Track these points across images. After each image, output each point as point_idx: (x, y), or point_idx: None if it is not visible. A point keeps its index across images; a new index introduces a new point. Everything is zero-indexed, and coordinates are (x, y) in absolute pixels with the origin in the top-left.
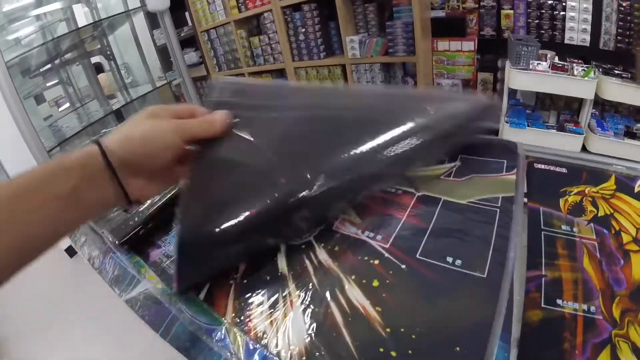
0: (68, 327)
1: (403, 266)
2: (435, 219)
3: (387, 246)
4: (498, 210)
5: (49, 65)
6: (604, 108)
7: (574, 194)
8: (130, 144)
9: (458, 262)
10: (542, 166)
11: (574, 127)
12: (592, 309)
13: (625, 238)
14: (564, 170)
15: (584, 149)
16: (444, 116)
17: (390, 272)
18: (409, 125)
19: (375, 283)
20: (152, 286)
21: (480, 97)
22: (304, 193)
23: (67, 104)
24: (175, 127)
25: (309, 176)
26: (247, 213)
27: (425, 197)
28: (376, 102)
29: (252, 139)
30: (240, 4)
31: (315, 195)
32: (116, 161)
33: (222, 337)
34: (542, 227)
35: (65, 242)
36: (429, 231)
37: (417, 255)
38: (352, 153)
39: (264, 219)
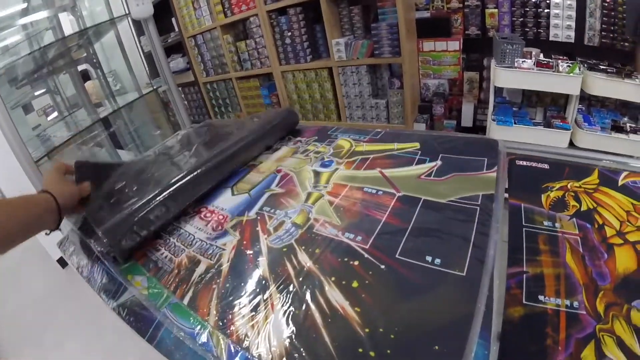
0: (62, 335)
1: (382, 266)
2: (415, 219)
3: (366, 247)
4: (478, 208)
5: (36, 75)
6: (591, 103)
7: (556, 190)
8: (63, 198)
9: (437, 261)
10: (524, 163)
11: (561, 123)
12: (575, 304)
13: (609, 232)
14: (545, 166)
15: (571, 144)
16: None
17: (370, 272)
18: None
19: (355, 284)
20: (138, 292)
21: (284, 109)
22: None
23: (56, 113)
24: (78, 190)
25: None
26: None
27: (405, 197)
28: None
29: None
30: (226, 9)
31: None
32: (59, 204)
33: (206, 340)
34: (524, 223)
35: (57, 253)
36: (408, 231)
37: (397, 255)
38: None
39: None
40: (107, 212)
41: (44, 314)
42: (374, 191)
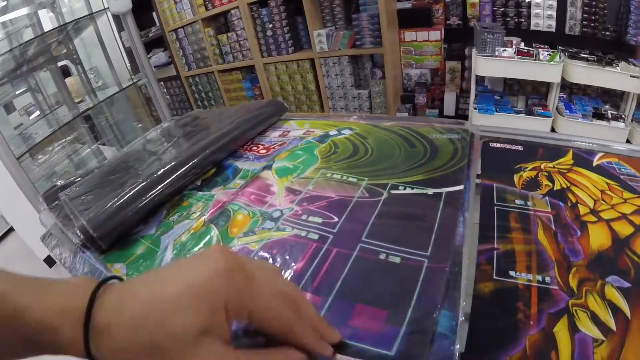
0: None
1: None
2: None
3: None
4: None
5: (17, 72)
6: (572, 91)
7: (529, 170)
8: None
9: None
10: (498, 145)
11: (542, 111)
12: (547, 279)
13: (583, 210)
14: (519, 147)
15: (553, 132)
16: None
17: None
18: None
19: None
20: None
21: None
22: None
23: (37, 112)
24: None
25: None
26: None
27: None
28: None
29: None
30: (207, 2)
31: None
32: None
33: None
34: (495, 202)
35: (44, 252)
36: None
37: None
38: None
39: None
40: (90, 202)
41: None
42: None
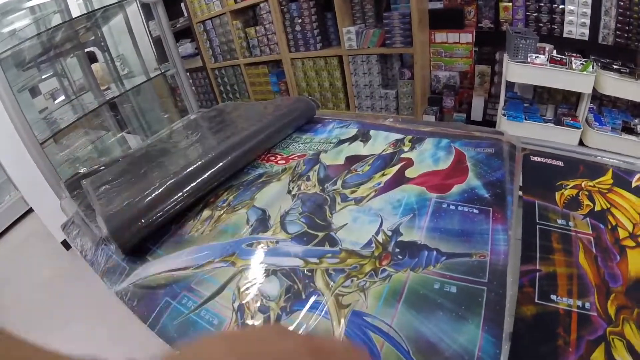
0: (67, 317)
1: None
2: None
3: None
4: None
5: (44, 57)
6: (602, 103)
7: (570, 188)
8: None
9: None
10: (538, 159)
11: (572, 121)
12: (587, 305)
13: (622, 233)
14: (560, 163)
15: (581, 143)
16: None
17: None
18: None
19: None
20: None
21: (301, 97)
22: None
23: (62, 97)
24: None
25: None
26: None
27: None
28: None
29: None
30: None
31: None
32: None
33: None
34: (537, 220)
35: (62, 235)
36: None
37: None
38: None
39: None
40: (113, 201)
41: (49, 297)
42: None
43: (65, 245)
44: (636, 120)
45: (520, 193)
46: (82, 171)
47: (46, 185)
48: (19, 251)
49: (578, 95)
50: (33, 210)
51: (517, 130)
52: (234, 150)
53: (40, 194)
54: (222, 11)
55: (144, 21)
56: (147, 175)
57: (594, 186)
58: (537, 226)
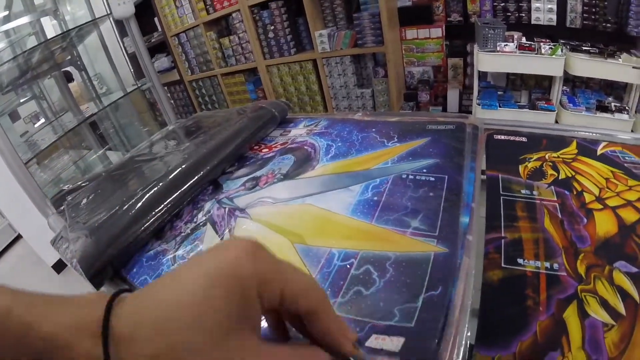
0: None
1: None
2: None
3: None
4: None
5: (21, 80)
6: (575, 84)
7: (534, 160)
8: None
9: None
10: (502, 137)
11: (546, 105)
12: (555, 266)
13: (588, 197)
14: (523, 139)
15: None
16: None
17: None
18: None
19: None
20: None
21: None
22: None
23: (42, 120)
24: None
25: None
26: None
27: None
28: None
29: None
30: (208, 6)
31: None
32: None
33: None
34: (501, 192)
35: (54, 257)
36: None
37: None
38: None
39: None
40: (90, 216)
41: None
42: None
43: (57, 268)
44: (610, 99)
45: (484, 170)
46: (66, 188)
47: (32, 206)
48: (8, 279)
49: (550, 79)
50: (21, 237)
51: (493, 117)
52: (211, 160)
53: (26, 216)
54: (196, 23)
55: (119, 38)
56: (124, 194)
57: (558, 157)
58: (501, 197)
